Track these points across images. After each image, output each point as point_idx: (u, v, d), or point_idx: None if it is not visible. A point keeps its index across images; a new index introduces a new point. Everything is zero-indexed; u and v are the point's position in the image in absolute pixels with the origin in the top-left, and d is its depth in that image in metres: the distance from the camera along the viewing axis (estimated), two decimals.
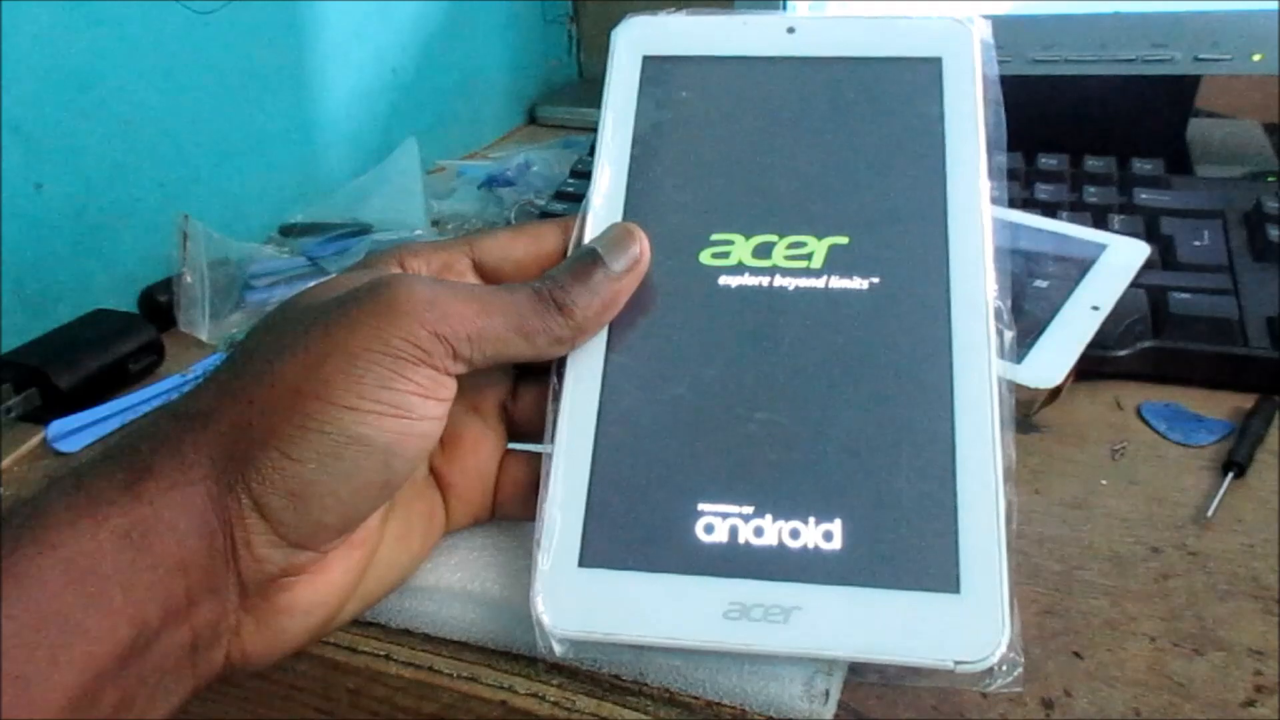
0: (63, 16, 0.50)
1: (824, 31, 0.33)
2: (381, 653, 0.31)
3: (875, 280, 0.29)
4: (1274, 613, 0.31)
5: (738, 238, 0.30)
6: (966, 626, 0.25)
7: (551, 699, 0.28)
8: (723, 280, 0.30)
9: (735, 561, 0.26)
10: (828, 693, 0.27)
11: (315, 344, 0.25)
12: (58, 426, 0.44)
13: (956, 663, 0.24)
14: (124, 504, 0.23)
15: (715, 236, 0.30)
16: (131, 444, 0.24)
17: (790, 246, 0.30)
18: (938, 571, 0.25)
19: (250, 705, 0.33)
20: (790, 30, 0.33)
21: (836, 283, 0.29)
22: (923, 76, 0.32)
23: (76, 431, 0.44)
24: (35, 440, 0.43)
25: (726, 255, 0.30)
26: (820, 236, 0.30)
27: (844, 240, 0.30)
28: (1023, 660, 0.25)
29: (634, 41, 0.34)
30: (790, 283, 0.29)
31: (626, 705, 0.28)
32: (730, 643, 0.25)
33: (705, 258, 0.30)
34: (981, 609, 0.25)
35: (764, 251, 0.30)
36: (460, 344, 0.26)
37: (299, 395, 0.24)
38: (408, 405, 0.25)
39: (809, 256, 0.30)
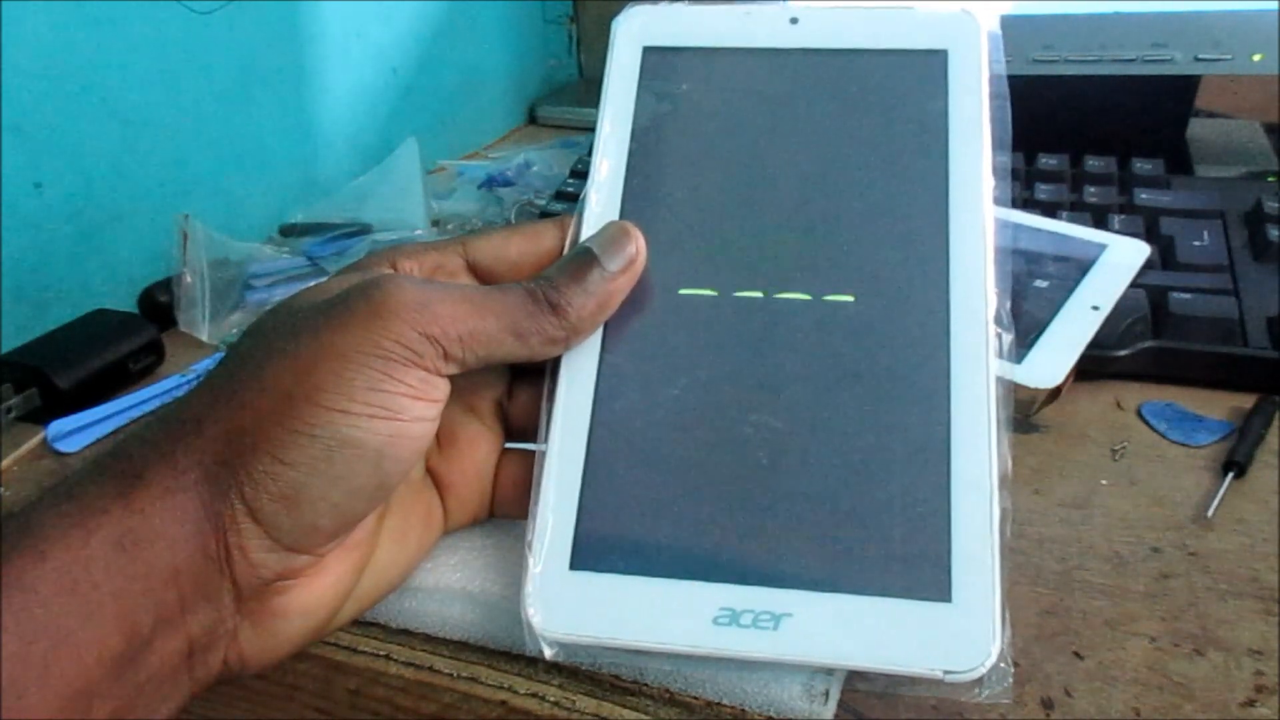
0: (63, 16, 0.50)
1: (827, 22, 0.33)
2: (381, 653, 0.31)
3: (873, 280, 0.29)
4: (1274, 613, 0.31)
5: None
6: (957, 636, 0.25)
7: (551, 699, 0.28)
8: None
9: (726, 566, 0.26)
10: (827, 693, 0.27)
11: (305, 347, 0.25)
12: (58, 426, 0.44)
13: (946, 672, 0.24)
14: (115, 512, 0.23)
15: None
16: (123, 452, 0.24)
17: None
18: (929, 580, 0.25)
19: (250, 705, 0.33)
20: (793, 21, 0.33)
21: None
22: (928, 69, 0.32)
23: (76, 431, 0.44)
24: (35, 440, 0.43)
25: None
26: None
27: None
28: (1013, 670, 0.25)
29: (634, 32, 0.34)
30: None
31: (626, 705, 0.28)
32: (720, 649, 0.25)
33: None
34: (973, 618, 0.25)
35: None
36: (451, 345, 0.25)
37: (290, 399, 0.24)
38: (399, 407, 0.25)
39: None
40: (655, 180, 0.31)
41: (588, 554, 0.27)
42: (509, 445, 0.31)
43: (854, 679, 0.27)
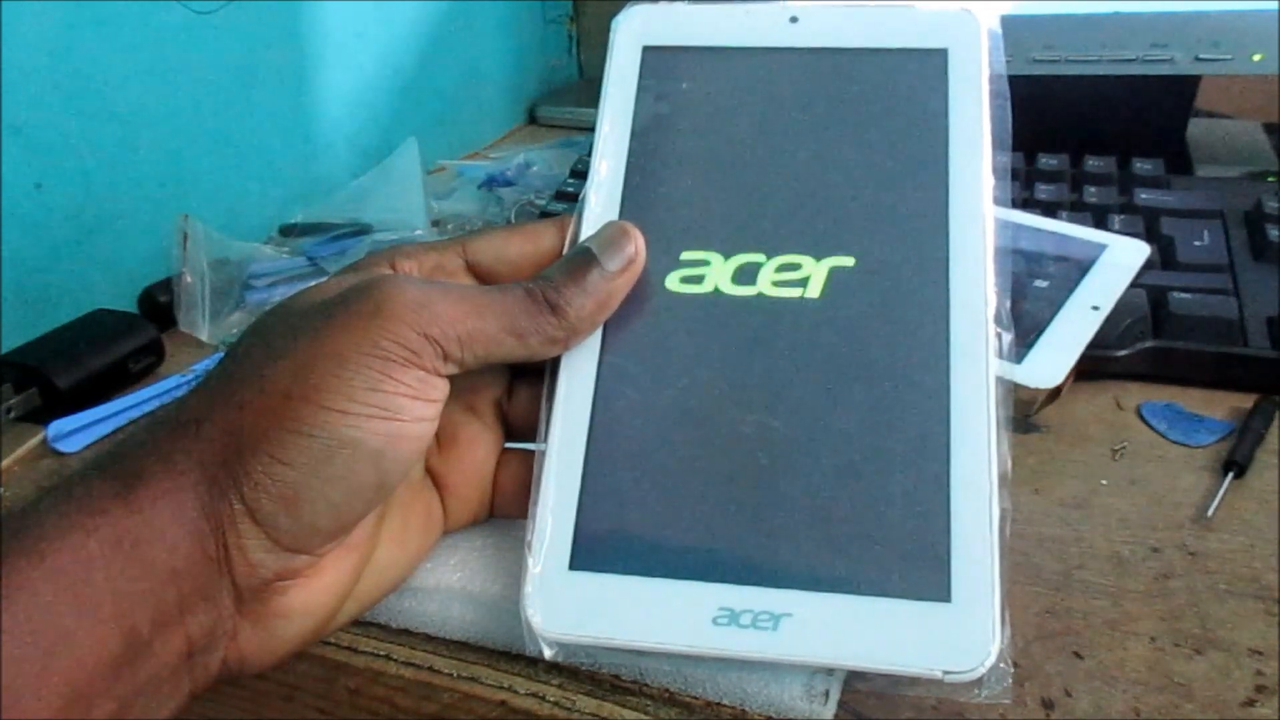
0: (63, 17, 0.50)
1: (827, 21, 0.33)
2: (381, 653, 0.31)
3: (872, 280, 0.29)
4: (1274, 613, 0.31)
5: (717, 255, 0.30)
6: (956, 636, 0.25)
7: (551, 699, 0.28)
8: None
9: (726, 567, 0.26)
10: (828, 693, 0.27)
11: (304, 348, 0.25)
12: (58, 426, 0.43)
13: (945, 673, 0.24)
14: (115, 513, 0.23)
15: (685, 256, 0.30)
16: (122, 452, 0.24)
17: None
18: (929, 580, 0.25)
19: (250, 705, 0.33)
20: (793, 20, 0.33)
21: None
22: (928, 69, 0.31)
23: (76, 431, 0.44)
24: (35, 440, 0.43)
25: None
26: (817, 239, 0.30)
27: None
28: (1013, 670, 0.25)
29: (634, 31, 0.34)
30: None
31: (626, 705, 0.28)
32: (719, 649, 0.25)
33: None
34: (972, 619, 0.25)
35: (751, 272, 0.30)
36: (450, 345, 0.25)
37: (289, 400, 0.24)
38: (398, 407, 0.25)
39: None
40: (655, 180, 0.31)
41: (587, 554, 0.27)
42: (509, 445, 0.31)
43: (854, 679, 0.27)
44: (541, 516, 0.27)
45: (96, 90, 0.53)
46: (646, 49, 0.33)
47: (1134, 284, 0.41)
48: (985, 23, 0.32)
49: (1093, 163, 0.54)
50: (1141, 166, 0.53)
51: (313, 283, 0.29)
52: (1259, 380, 0.41)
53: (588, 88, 0.95)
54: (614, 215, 0.31)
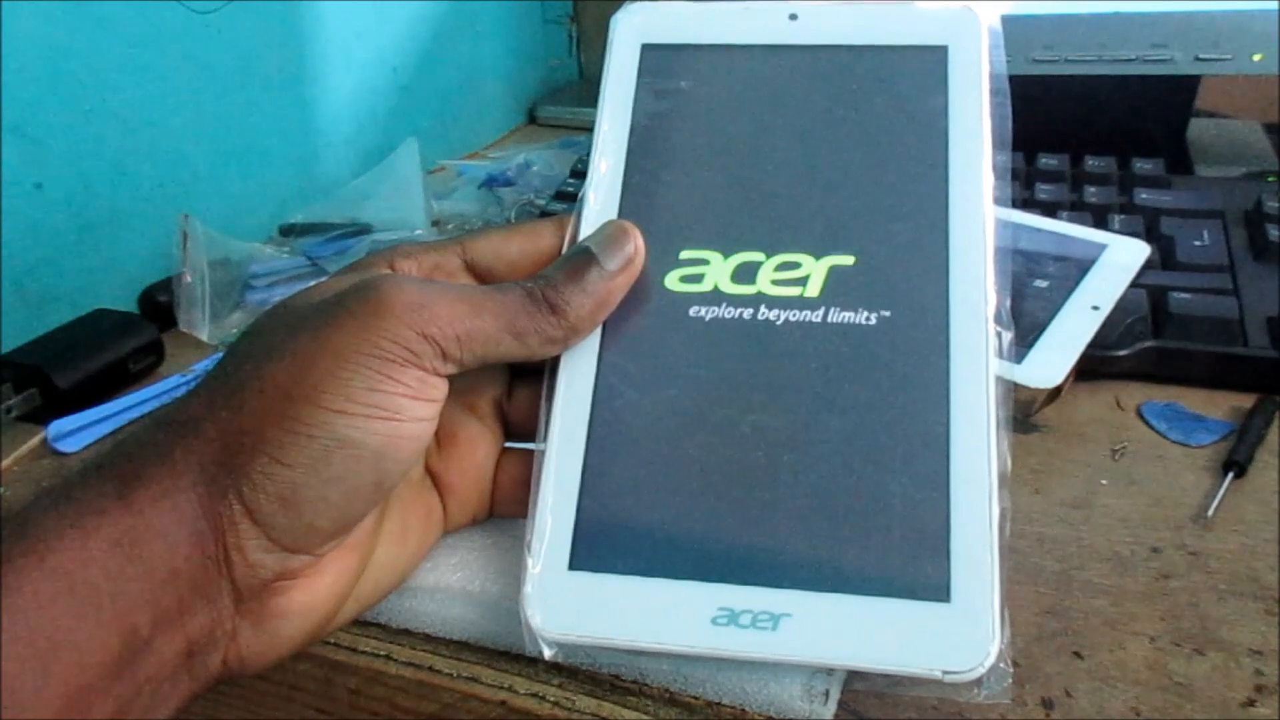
0: (63, 17, 0.50)
1: (827, 18, 0.33)
2: (381, 653, 0.31)
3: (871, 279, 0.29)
4: (1274, 613, 0.31)
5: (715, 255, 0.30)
6: (956, 636, 0.25)
7: (551, 699, 0.28)
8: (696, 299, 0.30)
9: (725, 566, 0.26)
10: (828, 693, 0.27)
11: (303, 347, 0.25)
12: (58, 426, 0.44)
13: (945, 673, 0.24)
14: (114, 513, 0.23)
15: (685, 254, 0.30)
16: (121, 452, 0.24)
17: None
18: (928, 580, 0.25)
19: (250, 705, 0.33)
20: (793, 17, 0.33)
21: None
22: (928, 66, 0.31)
23: (76, 431, 0.44)
24: (35, 440, 0.43)
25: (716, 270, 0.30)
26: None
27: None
28: (1012, 670, 0.25)
29: (633, 29, 0.33)
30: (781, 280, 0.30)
31: (626, 705, 0.28)
32: (718, 649, 0.25)
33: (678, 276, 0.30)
34: (971, 619, 0.25)
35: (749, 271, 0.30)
36: (449, 345, 0.25)
37: (288, 400, 0.24)
38: (397, 407, 0.25)
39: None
40: (654, 178, 0.31)
41: (586, 554, 0.27)
42: (509, 445, 0.31)
43: (854, 679, 0.27)
44: (541, 516, 0.27)
45: (96, 90, 0.53)
46: (645, 47, 0.33)
47: (1134, 284, 0.41)
48: (986, 20, 0.32)
49: (1093, 163, 0.54)
50: (1141, 166, 0.53)
51: (312, 283, 0.29)
52: (1259, 380, 0.41)
53: (588, 88, 0.94)
54: (613, 214, 0.31)
